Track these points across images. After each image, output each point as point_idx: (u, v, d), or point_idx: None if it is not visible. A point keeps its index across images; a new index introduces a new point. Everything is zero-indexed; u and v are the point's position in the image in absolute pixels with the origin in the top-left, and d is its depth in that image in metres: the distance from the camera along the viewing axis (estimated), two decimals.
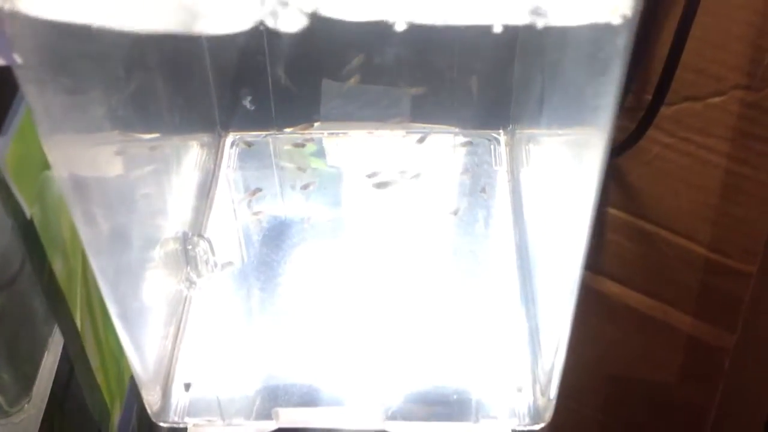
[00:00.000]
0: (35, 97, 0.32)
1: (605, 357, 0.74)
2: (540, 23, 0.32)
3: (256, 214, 0.56)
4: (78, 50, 0.35)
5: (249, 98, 0.54)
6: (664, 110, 0.55)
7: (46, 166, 0.40)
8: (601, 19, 0.31)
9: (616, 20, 0.30)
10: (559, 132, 0.47)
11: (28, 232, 0.39)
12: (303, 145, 0.57)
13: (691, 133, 0.57)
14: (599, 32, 0.32)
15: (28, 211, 0.38)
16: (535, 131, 0.53)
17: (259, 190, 0.56)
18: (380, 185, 0.55)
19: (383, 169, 0.57)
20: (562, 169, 0.46)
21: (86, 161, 0.38)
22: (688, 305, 0.66)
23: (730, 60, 0.52)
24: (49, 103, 0.33)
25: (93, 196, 0.37)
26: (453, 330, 0.50)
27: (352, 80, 0.53)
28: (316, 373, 0.48)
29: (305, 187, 0.56)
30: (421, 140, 0.58)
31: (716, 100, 0.54)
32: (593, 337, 0.71)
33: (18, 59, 0.30)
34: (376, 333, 0.50)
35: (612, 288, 0.69)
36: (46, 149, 0.33)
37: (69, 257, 0.43)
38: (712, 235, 0.61)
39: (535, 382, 0.47)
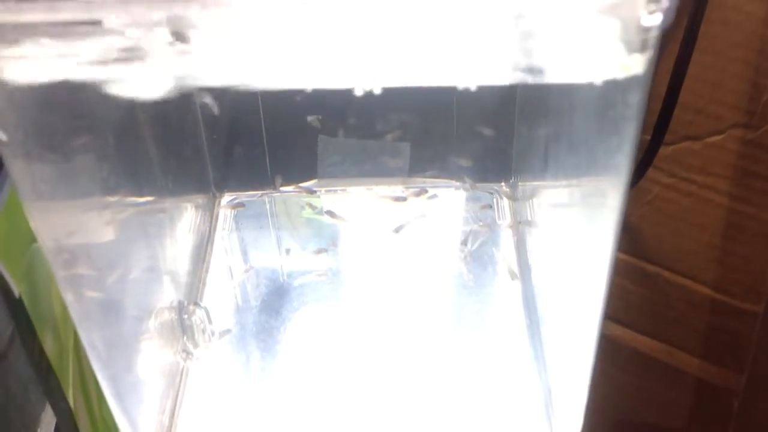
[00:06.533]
0: (20, 171, 0.31)
1: (611, 401, 0.73)
2: (536, 80, 0.31)
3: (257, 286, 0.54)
4: (65, 120, 0.34)
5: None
6: (663, 150, 0.55)
7: (34, 239, 0.39)
8: (611, 76, 0.30)
9: (627, 77, 0.29)
10: (567, 184, 0.46)
11: (17, 311, 0.37)
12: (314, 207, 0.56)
13: (691, 172, 0.57)
14: (609, 89, 0.31)
15: (17, 289, 0.37)
16: (540, 183, 0.53)
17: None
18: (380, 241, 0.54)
19: (382, 225, 0.56)
20: (574, 223, 0.45)
21: (75, 230, 0.36)
22: (694, 347, 0.66)
23: (728, 99, 0.52)
24: (34, 175, 0.32)
25: (82, 267, 0.36)
26: (462, 392, 0.49)
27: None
28: None
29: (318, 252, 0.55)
30: (419, 194, 0.57)
31: (715, 139, 0.54)
32: (598, 381, 0.70)
33: (2, 136, 0.29)
34: (382, 399, 0.48)
35: (616, 331, 0.68)
36: (31, 220, 0.31)
37: (60, 333, 0.41)
38: (715, 274, 0.61)
39: None
